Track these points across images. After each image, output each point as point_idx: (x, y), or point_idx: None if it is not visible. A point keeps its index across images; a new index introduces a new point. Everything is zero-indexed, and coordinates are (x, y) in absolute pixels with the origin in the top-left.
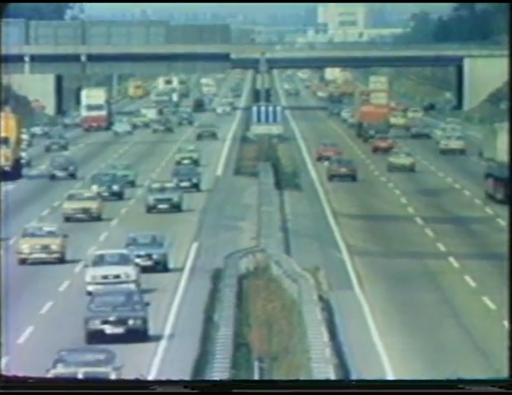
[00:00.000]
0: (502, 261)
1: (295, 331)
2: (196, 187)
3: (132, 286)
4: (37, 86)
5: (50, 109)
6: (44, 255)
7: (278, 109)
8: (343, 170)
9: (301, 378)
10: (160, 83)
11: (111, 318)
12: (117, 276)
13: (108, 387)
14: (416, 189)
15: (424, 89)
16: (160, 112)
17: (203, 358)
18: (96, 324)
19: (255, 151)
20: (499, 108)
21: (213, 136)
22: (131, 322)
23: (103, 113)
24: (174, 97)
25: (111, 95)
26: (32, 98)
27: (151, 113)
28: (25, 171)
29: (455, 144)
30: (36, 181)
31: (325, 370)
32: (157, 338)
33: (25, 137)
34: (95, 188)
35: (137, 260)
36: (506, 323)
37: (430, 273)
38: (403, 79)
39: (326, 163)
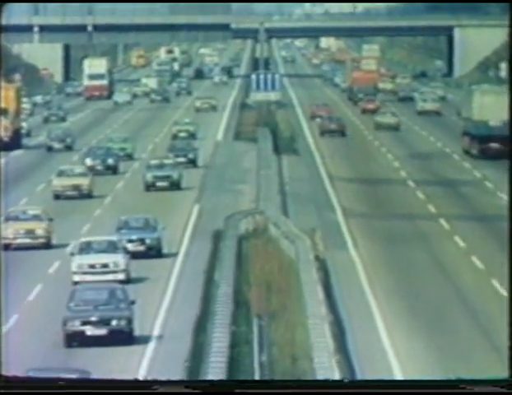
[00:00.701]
0: (490, 222)
1: (292, 289)
2: (193, 162)
3: (116, 284)
4: (46, 55)
5: (58, 77)
6: (28, 240)
7: (276, 76)
8: (333, 126)
9: (298, 335)
10: (162, 53)
11: (92, 319)
12: (105, 265)
13: (108, 387)
14: (399, 145)
15: (416, 57)
16: (161, 83)
17: (204, 316)
18: (76, 325)
19: (254, 117)
20: (487, 75)
21: (213, 109)
22: (114, 322)
23: (104, 82)
24: (176, 66)
25: (116, 64)
26: (41, 66)
27: (151, 83)
28: (24, 141)
29: (431, 106)
30: (34, 152)
31: (321, 327)
32: (144, 340)
33: (27, 106)
34: (88, 161)
35: (129, 245)
36: (494, 282)
37: (422, 234)
38: (397, 48)
39: (318, 120)
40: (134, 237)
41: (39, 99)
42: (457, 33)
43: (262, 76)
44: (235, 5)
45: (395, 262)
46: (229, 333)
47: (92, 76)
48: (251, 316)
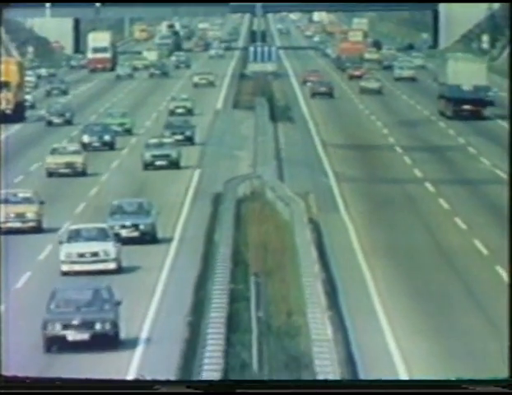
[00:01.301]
0: (473, 185)
1: (287, 249)
2: (190, 140)
3: (101, 284)
4: (56, 29)
5: (69, 50)
6: (18, 224)
7: (273, 49)
8: (322, 89)
9: (292, 292)
10: (164, 27)
11: (74, 322)
12: (95, 254)
13: (109, 387)
14: (382, 107)
15: (404, 31)
16: (161, 56)
17: (205, 274)
18: (56, 329)
19: (252, 87)
20: (470, 47)
21: (211, 84)
22: (98, 325)
23: (107, 55)
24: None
25: (123, 37)
26: (52, 39)
27: (152, 56)
28: (28, 113)
29: (406, 73)
30: (37, 125)
31: (314, 285)
32: (132, 345)
33: (31, 78)
34: (86, 138)
35: (123, 231)
36: (476, 242)
37: (409, 197)
38: (386, 22)
39: (309, 84)
40: (127, 223)
41: (43, 71)
42: (441, 7)
43: (259, 49)
44: None
45: (384, 224)
46: (228, 290)
47: (96, 50)
48: (249, 274)
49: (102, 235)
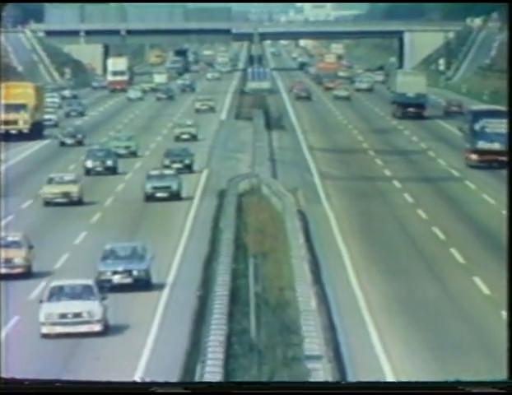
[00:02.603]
0: (433, 183)
1: (279, 235)
2: (189, 168)
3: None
4: (89, 53)
5: (99, 71)
6: (4, 270)
7: (267, 70)
8: (303, 94)
9: (284, 270)
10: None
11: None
12: (78, 315)
13: (106, 388)
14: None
15: (375, 54)
16: (170, 78)
17: (212, 255)
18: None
19: (250, 101)
20: (429, 68)
21: (211, 110)
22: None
23: (125, 77)
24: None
25: (143, 60)
26: (85, 62)
27: (162, 78)
28: (52, 131)
29: (363, 85)
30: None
31: (301, 265)
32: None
33: (56, 100)
34: (89, 163)
35: (115, 277)
36: (434, 229)
37: (380, 192)
38: (360, 47)
39: (294, 90)
40: (120, 268)
41: (67, 93)
42: (406, 36)
43: (256, 70)
44: (234, 12)
45: (359, 213)
46: (230, 269)
47: (115, 73)
48: (248, 256)
49: (87, 293)
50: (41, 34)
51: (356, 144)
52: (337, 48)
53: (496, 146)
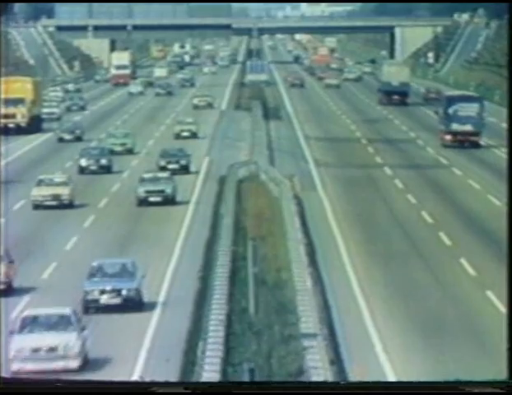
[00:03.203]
0: (423, 169)
1: (276, 219)
2: (185, 169)
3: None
4: (97, 47)
5: (106, 64)
6: None
7: (265, 63)
8: (297, 82)
9: (281, 253)
10: (176, 48)
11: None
12: (53, 349)
13: (106, 388)
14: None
15: (368, 48)
16: (170, 72)
17: (213, 238)
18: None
19: (249, 93)
20: (419, 61)
21: (210, 106)
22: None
23: (127, 71)
24: (187, 58)
25: (148, 54)
26: (93, 55)
27: (162, 72)
28: (55, 124)
29: (351, 75)
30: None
31: (297, 248)
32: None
33: (59, 94)
34: (83, 162)
35: (102, 297)
36: (423, 213)
37: (372, 179)
38: (353, 41)
39: (289, 78)
40: (108, 287)
41: (70, 86)
42: (397, 31)
43: (254, 63)
44: (234, 8)
45: (352, 198)
46: (230, 252)
47: (118, 67)
48: (247, 239)
49: (64, 324)
50: (52, 30)
51: (347, 132)
52: (331, 41)
53: (468, 127)
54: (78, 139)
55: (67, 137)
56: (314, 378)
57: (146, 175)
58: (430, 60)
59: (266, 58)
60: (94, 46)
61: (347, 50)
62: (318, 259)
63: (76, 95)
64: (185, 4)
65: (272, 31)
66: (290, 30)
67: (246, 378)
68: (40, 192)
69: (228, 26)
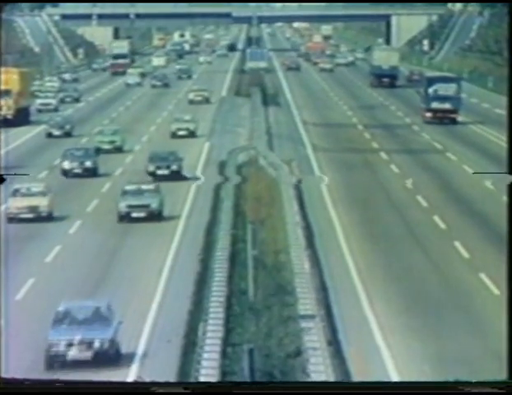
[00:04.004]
0: (418, 154)
1: (275, 203)
2: (177, 174)
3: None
4: (101, 35)
5: (109, 51)
6: None
7: (264, 50)
8: (293, 65)
9: (279, 236)
10: (176, 36)
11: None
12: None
13: (106, 389)
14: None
15: (364, 36)
16: (168, 61)
17: (213, 222)
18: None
19: (249, 79)
20: (414, 49)
21: (206, 101)
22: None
23: (126, 60)
24: (186, 47)
25: (150, 42)
26: (97, 43)
27: (160, 61)
28: (50, 115)
29: (342, 60)
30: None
31: (295, 231)
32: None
33: (55, 84)
34: (66, 164)
35: (70, 351)
36: (419, 197)
37: (368, 163)
38: (350, 30)
39: (286, 62)
40: (77, 338)
41: (67, 76)
42: (393, 19)
43: (254, 50)
44: None
45: (348, 182)
46: (230, 235)
47: (117, 56)
48: (246, 222)
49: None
50: (56, 18)
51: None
52: (326, 29)
53: (447, 105)
54: (68, 135)
55: (56, 132)
56: (312, 359)
57: (129, 187)
58: (425, 47)
59: (265, 45)
60: (98, 34)
61: (344, 38)
62: (316, 242)
63: (70, 86)
64: None
65: (271, 20)
66: (289, 19)
67: (245, 358)
68: (16, 204)
69: (228, 15)
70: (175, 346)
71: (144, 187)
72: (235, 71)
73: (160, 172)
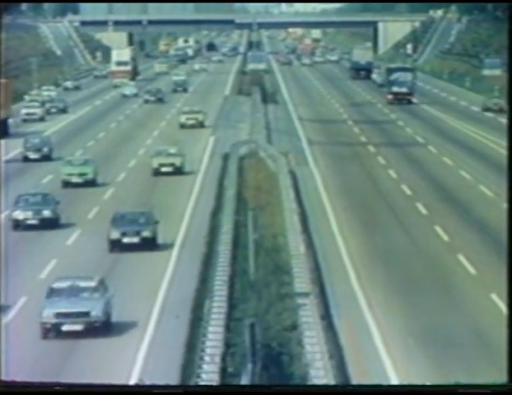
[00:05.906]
0: (403, 148)
1: (273, 191)
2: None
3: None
4: (116, 40)
5: None
6: None
7: (264, 53)
8: (286, 61)
9: (277, 221)
10: (180, 42)
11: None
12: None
13: (106, 392)
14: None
15: (354, 40)
16: (170, 67)
17: (217, 208)
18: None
19: (250, 80)
20: (399, 52)
21: (200, 125)
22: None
23: (128, 67)
24: (190, 52)
25: (157, 47)
26: (113, 47)
27: (162, 68)
28: (27, 128)
29: (320, 59)
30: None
31: (292, 216)
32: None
33: (52, 93)
34: (18, 214)
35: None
36: (403, 187)
37: (357, 155)
38: (341, 34)
39: (280, 58)
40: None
41: (69, 84)
42: (380, 25)
43: (254, 53)
44: (236, 6)
45: (340, 173)
46: (233, 220)
47: (119, 63)
48: (247, 209)
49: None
50: (76, 24)
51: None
52: (316, 33)
53: (404, 89)
54: (46, 158)
55: (33, 155)
56: (307, 333)
57: (59, 285)
58: (409, 51)
59: (264, 49)
60: (113, 39)
61: (336, 42)
62: (311, 226)
63: (56, 97)
64: (193, 3)
65: (269, 26)
66: (286, 25)
67: (247, 331)
68: None
69: (231, 21)
70: (183, 321)
71: (81, 284)
72: (237, 72)
73: (126, 240)
